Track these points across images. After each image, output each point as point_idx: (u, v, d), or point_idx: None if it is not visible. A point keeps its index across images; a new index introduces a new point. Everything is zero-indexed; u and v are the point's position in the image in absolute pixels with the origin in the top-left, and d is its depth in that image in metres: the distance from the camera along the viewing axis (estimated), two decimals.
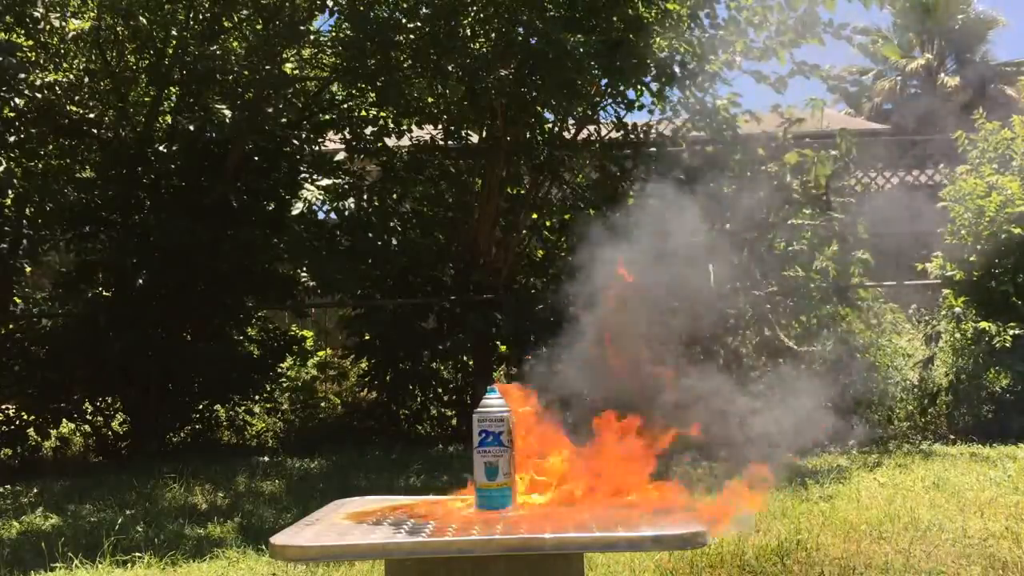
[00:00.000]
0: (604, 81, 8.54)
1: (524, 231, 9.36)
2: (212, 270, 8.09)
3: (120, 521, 4.93)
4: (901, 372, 8.27)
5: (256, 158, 8.57)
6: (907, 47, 25.17)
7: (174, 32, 8.51)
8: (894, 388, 8.19)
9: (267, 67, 8.10)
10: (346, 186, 9.11)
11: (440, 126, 9.12)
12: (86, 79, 8.60)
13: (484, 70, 8.24)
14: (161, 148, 8.35)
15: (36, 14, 7.38)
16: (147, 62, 8.70)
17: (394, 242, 8.90)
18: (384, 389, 8.71)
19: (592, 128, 9.22)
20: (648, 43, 8.07)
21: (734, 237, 7.84)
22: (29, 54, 7.94)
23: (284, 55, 8.58)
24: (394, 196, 9.34)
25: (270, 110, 8.31)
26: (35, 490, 6.10)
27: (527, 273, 9.58)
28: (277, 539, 1.90)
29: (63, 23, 7.72)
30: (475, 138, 9.14)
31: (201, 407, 8.58)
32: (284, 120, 8.61)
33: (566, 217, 9.43)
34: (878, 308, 8.50)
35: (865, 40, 8.80)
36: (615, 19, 7.95)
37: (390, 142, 9.31)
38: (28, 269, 8.80)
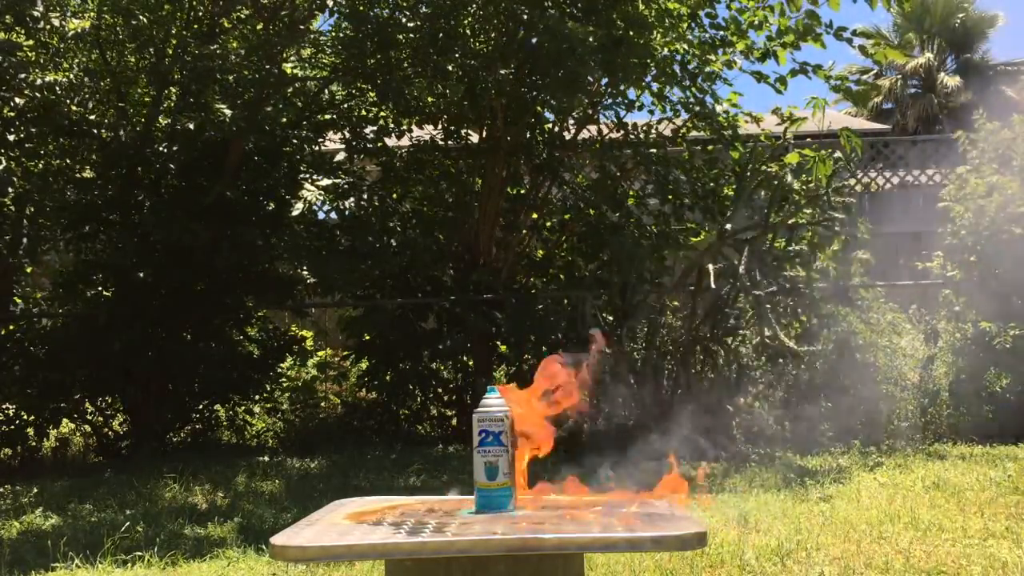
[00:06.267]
0: (604, 80, 8.54)
1: (524, 231, 9.36)
2: (212, 270, 8.09)
3: (120, 521, 4.93)
4: (901, 372, 8.27)
5: (256, 158, 8.57)
6: (908, 46, 25.16)
7: (174, 32, 8.51)
8: (894, 388, 8.19)
9: (267, 67, 8.10)
10: (346, 186, 9.11)
11: (440, 126, 9.12)
12: (86, 79, 8.60)
13: (484, 69, 8.23)
14: (161, 148, 8.34)
15: (36, 13, 7.37)
16: (147, 62, 8.70)
17: (394, 242, 8.90)
18: (384, 389, 8.71)
19: (592, 128, 9.22)
20: (648, 41, 8.06)
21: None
22: (29, 54, 7.94)
23: (284, 55, 8.58)
24: (394, 196, 9.34)
25: (269, 109, 8.31)
26: (35, 490, 6.10)
27: (527, 273, 9.58)
28: (277, 539, 1.90)
29: (63, 23, 7.72)
30: (475, 138, 9.14)
31: (201, 407, 8.59)
32: (284, 120, 8.61)
33: (566, 217, 9.43)
34: (878, 308, 8.50)
35: (866, 43, 8.76)
36: (614, 16, 7.94)
37: (390, 142, 9.31)
38: (28, 269, 8.79)
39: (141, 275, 8.06)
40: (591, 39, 7.37)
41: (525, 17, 7.88)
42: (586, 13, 7.98)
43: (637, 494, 2.29)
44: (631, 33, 7.98)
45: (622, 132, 9.12)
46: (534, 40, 7.91)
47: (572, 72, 7.67)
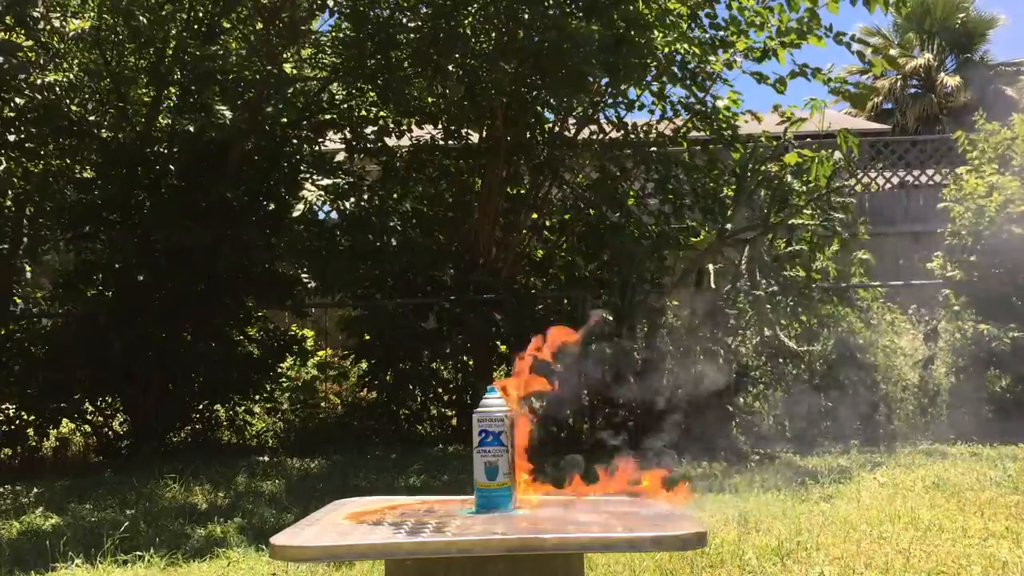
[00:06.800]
0: (605, 80, 8.54)
1: (524, 231, 9.36)
2: (212, 270, 8.09)
3: (120, 521, 4.93)
4: (901, 372, 8.28)
5: (256, 158, 8.57)
6: (908, 46, 25.16)
7: (174, 32, 8.51)
8: (894, 388, 8.20)
9: (267, 67, 8.09)
10: (346, 186, 9.11)
11: (440, 126, 9.12)
12: (86, 79, 8.60)
13: (485, 69, 8.22)
14: (161, 148, 8.34)
15: (36, 14, 7.37)
16: (147, 62, 8.70)
17: (394, 242, 8.89)
18: (384, 389, 8.71)
19: (592, 128, 9.22)
20: (650, 40, 8.05)
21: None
22: (29, 54, 7.94)
23: (284, 55, 8.57)
24: (394, 197, 9.34)
25: (269, 109, 8.31)
26: (35, 490, 6.10)
27: (527, 273, 9.58)
28: (277, 539, 1.90)
29: (63, 23, 7.72)
30: (475, 138, 9.14)
31: (201, 407, 8.59)
32: (284, 120, 8.61)
33: (566, 217, 9.43)
34: (878, 308, 8.51)
35: (865, 49, 8.76)
36: (615, 16, 7.93)
37: (390, 142, 9.31)
38: (28, 269, 8.79)
39: (141, 275, 8.06)
40: (593, 36, 7.36)
41: (526, 16, 7.87)
42: (587, 12, 7.97)
43: (637, 494, 2.29)
44: (632, 32, 7.97)
45: (622, 132, 9.12)
46: (535, 39, 7.90)
47: (575, 70, 7.66)
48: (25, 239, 8.30)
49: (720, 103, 8.89)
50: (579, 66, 7.54)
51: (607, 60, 7.68)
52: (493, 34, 8.58)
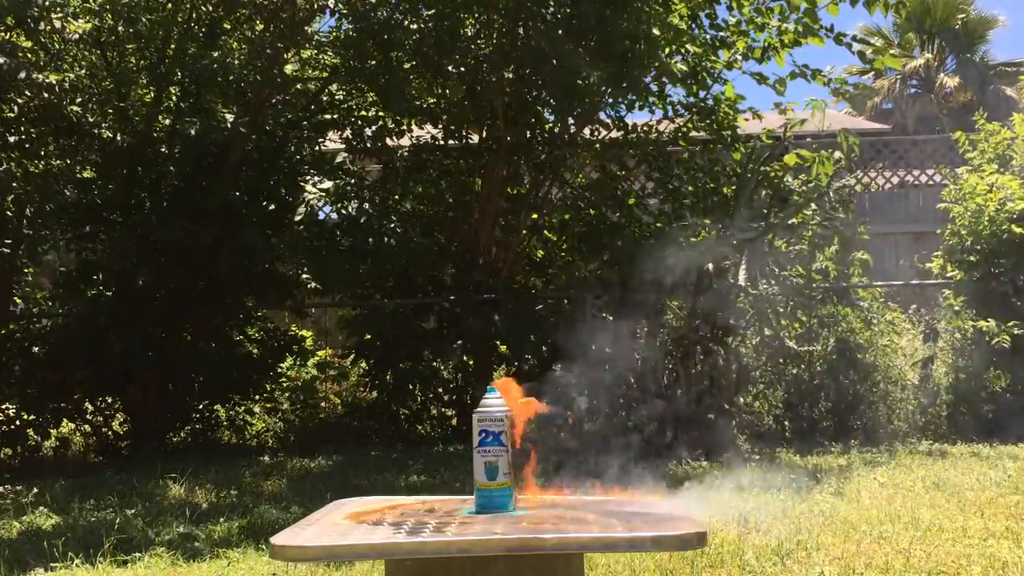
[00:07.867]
0: (605, 83, 8.52)
1: (524, 231, 9.36)
2: (212, 270, 8.09)
3: (120, 521, 4.93)
4: (901, 372, 8.28)
5: (256, 158, 8.57)
6: (908, 46, 25.17)
7: (175, 33, 8.51)
8: (894, 388, 8.19)
9: (269, 68, 8.09)
10: (347, 187, 9.11)
11: (440, 126, 9.12)
12: (86, 79, 8.59)
13: (485, 71, 8.22)
14: (161, 149, 8.35)
15: (37, 14, 7.36)
16: (147, 62, 8.70)
17: (394, 242, 8.90)
18: (384, 389, 8.71)
19: (593, 127, 9.21)
20: (654, 54, 8.02)
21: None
22: (30, 55, 7.93)
23: (285, 56, 8.57)
24: (394, 197, 9.34)
25: (270, 110, 8.31)
26: (35, 490, 6.10)
27: (527, 273, 9.58)
28: (277, 539, 1.90)
29: (64, 24, 7.71)
30: (475, 138, 9.14)
31: (201, 407, 8.59)
32: (283, 120, 8.60)
33: (566, 217, 9.43)
34: (878, 308, 8.51)
35: (866, 49, 8.75)
36: (621, 24, 7.90)
37: (390, 142, 9.31)
38: (29, 270, 8.79)
39: (141, 276, 8.06)
40: (593, 64, 7.41)
41: (529, 23, 7.87)
42: (590, 25, 7.92)
43: (636, 494, 2.29)
44: (638, 46, 7.93)
45: (622, 132, 9.11)
46: (534, 44, 7.89)
47: (571, 82, 7.69)
48: (25, 239, 8.30)
49: (721, 102, 8.87)
50: (572, 78, 7.56)
51: (610, 74, 7.69)
52: (494, 36, 8.58)
